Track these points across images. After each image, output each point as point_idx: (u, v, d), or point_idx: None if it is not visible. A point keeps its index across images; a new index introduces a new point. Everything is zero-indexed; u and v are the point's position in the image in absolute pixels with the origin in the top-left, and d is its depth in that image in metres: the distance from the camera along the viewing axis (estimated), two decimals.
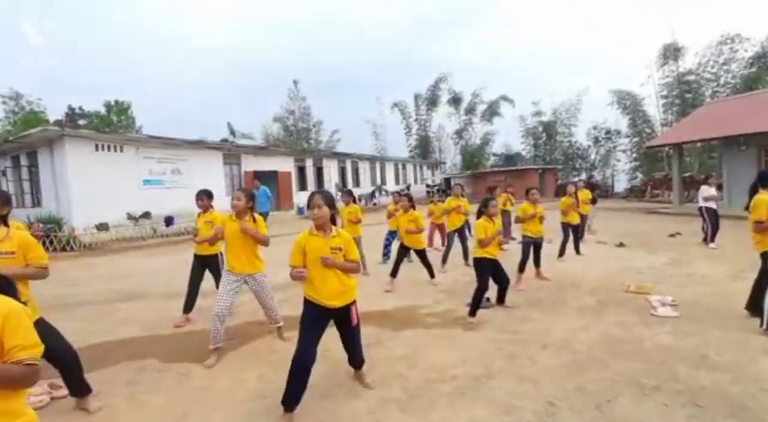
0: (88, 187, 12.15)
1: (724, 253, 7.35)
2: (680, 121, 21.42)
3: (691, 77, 28.24)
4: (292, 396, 2.48)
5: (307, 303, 2.64)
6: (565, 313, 4.43)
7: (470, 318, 4.19)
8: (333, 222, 2.70)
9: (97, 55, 51.89)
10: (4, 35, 37.49)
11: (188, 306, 4.35)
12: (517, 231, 6.68)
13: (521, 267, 5.66)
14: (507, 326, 4.08)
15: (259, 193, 10.85)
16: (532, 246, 5.83)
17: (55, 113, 30.17)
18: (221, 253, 4.38)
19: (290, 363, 2.48)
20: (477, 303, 4.23)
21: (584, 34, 64.91)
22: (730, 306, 4.43)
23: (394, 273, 5.79)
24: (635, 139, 31.16)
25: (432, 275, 5.94)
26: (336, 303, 2.61)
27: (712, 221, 8.15)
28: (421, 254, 5.92)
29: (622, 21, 58.31)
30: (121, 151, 13.33)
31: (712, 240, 8.07)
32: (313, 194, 2.62)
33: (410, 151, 38.68)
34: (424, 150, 38.08)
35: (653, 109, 30.57)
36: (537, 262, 5.96)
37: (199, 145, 16.02)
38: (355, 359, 2.91)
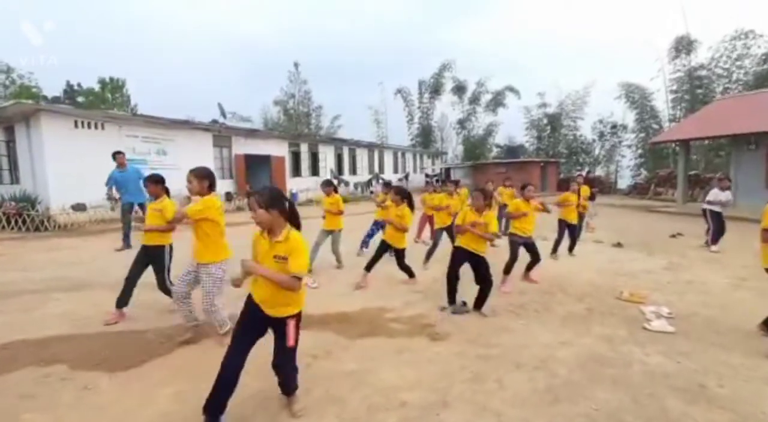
0: (66, 165, 11.60)
1: (726, 258, 6.87)
2: (688, 117, 20.68)
3: (703, 72, 27.34)
4: (215, 403, 2.16)
5: (249, 299, 2.35)
6: (549, 323, 3.96)
7: (445, 310, 4.19)
8: (294, 223, 2.29)
9: (97, 33, 50.83)
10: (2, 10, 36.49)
11: (122, 301, 3.87)
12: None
13: (507, 269, 5.17)
14: (480, 337, 3.60)
15: (126, 174, 7.99)
16: (525, 247, 5.36)
17: (55, 90, 29.60)
18: (171, 246, 3.98)
19: (220, 366, 2.20)
20: (449, 289, 4.30)
21: (594, 25, 63.38)
22: (731, 320, 3.98)
23: (368, 268, 5.28)
24: (641, 135, 30.38)
25: (410, 275, 5.45)
26: (270, 312, 2.28)
27: (714, 224, 7.67)
28: (399, 254, 5.35)
29: (636, 12, 56.72)
30: (103, 128, 12.76)
31: (714, 243, 7.60)
32: (250, 195, 2.32)
33: (412, 139, 37.89)
34: (425, 139, 37.30)
35: (662, 104, 29.83)
36: (531, 265, 5.47)
37: (186, 125, 15.42)
38: (285, 385, 2.44)
